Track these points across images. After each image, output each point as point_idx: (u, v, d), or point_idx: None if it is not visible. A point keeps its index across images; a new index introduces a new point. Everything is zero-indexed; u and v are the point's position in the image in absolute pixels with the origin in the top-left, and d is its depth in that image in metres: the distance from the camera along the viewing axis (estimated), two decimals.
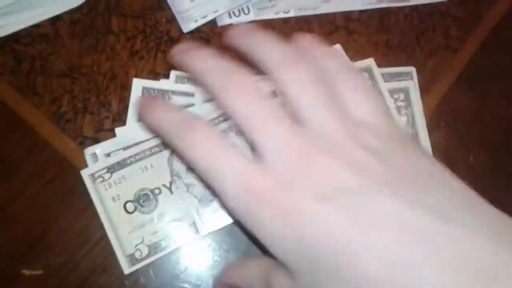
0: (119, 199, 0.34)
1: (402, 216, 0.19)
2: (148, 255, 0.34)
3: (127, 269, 0.34)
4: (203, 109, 0.36)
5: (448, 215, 0.19)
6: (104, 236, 0.34)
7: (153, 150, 0.35)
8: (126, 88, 0.37)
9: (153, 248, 0.34)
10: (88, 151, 0.35)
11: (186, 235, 0.34)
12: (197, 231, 0.35)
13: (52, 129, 0.36)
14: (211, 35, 0.40)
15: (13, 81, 0.37)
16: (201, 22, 0.39)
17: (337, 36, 0.41)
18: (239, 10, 0.40)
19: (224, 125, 0.36)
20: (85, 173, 0.34)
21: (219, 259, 0.35)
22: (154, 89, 0.37)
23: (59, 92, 0.37)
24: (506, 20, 0.43)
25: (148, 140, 0.35)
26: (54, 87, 0.37)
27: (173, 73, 0.38)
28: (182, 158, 0.26)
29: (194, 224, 0.35)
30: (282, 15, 0.41)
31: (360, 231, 0.20)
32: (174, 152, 0.35)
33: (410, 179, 0.21)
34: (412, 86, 0.39)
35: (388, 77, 0.40)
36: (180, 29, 0.39)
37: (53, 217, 0.35)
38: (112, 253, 0.34)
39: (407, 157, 0.22)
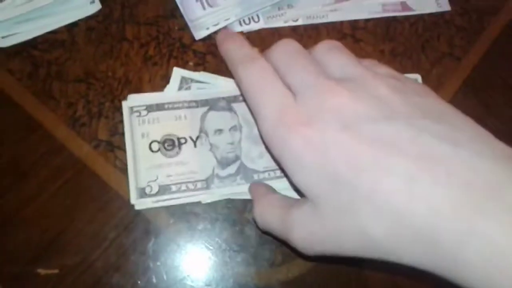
0: (147, 136, 0.36)
1: (418, 141, 0.22)
2: (156, 194, 0.35)
3: (134, 200, 0.35)
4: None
5: (458, 142, 0.22)
6: (118, 237, 0.35)
7: (191, 104, 0.37)
8: (140, 93, 0.38)
9: (163, 189, 0.35)
10: (131, 97, 0.38)
11: (196, 190, 0.36)
12: (207, 188, 0.36)
13: (67, 132, 0.37)
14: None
15: (30, 86, 0.38)
16: (212, 29, 0.40)
17: (344, 43, 0.41)
18: (249, 19, 0.42)
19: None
20: (125, 104, 0.37)
21: (228, 260, 0.36)
22: (191, 79, 0.39)
23: (74, 97, 0.38)
24: (507, 31, 0.44)
25: (189, 95, 0.38)
26: (70, 92, 0.38)
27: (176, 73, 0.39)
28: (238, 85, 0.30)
29: (206, 181, 0.36)
30: (291, 23, 0.42)
31: (379, 153, 0.22)
32: (209, 110, 0.38)
33: (428, 113, 0.24)
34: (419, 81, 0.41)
35: None
36: (192, 36, 0.40)
37: (68, 219, 0.36)
38: (126, 253, 0.35)
39: (426, 99, 0.25)
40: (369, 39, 0.43)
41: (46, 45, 0.39)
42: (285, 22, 0.42)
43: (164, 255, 0.36)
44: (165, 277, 0.35)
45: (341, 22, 0.43)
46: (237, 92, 0.38)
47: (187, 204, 0.36)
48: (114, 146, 0.37)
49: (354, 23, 0.43)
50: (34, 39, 0.39)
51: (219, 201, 0.37)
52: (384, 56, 0.42)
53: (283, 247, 0.37)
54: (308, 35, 0.42)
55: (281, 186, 0.36)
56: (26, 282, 0.34)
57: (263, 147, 0.37)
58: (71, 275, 0.35)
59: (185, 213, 0.37)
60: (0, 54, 0.38)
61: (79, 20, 0.40)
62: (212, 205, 0.37)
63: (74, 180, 0.36)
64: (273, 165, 0.37)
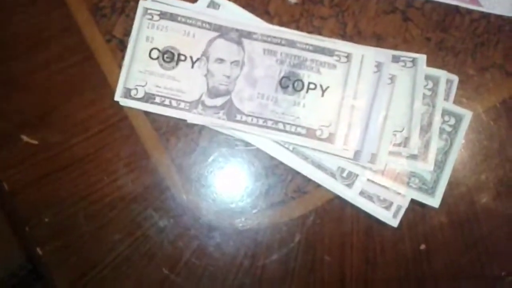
0: (151, 42, 0.37)
1: None
2: (140, 99, 0.36)
3: (117, 97, 0.36)
4: None
5: None
6: (102, 131, 0.37)
7: (204, 25, 0.37)
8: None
9: (147, 96, 0.36)
10: None
11: (178, 109, 0.36)
12: (189, 111, 0.36)
13: (88, 18, 0.38)
14: None
15: None
16: None
17: (392, 18, 0.39)
18: None
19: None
20: (141, 4, 0.37)
21: (201, 198, 0.37)
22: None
23: None
24: None
25: (206, 15, 0.37)
26: None
27: None
28: None
29: (190, 104, 0.36)
30: None
31: None
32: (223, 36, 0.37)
33: None
34: (468, 117, 0.37)
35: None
36: None
37: (64, 99, 0.37)
38: (103, 149, 0.36)
39: None
40: (420, 22, 0.39)
41: None
42: None
43: (136, 162, 0.37)
44: (127, 181, 0.37)
45: None
46: (253, 29, 0.37)
47: (173, 123, 0.37)
48: (125, 46, 0.37)
49: (410, 0, 0.39)
50: None
51: (204, 132, 0.37)
52: (428, 45, 0.39)
53: (249, 197, 0.37)
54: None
55: (257, 134, 0.36)
56: (7, 142, 0.36)
57: (256, 91, 0.36)
58: (49, 151, 0.37)
59: (168, 133, 0.37)
60: None
61: None
62: (196, 133, 0.37)
63: (80, 65, 0.37)
64: (259, 111, 0.36)
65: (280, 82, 0.37)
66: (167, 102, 0.36)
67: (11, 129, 0.36)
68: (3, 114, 0.37)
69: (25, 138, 0.36)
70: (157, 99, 0.36)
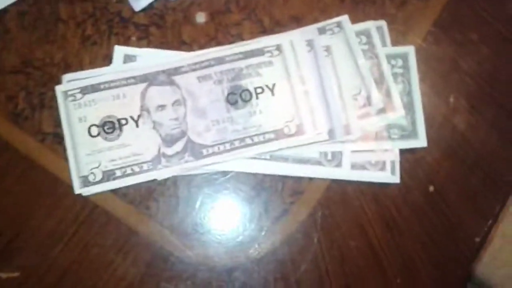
0: (85, 121, 0.34)
1: None
2: (100, 181, 0.34)
3: (78, 189, 0.34)
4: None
5: None
6: (78, 230, 0.34)
7: (129, 81, 0.35)
8: None
9: (107, 175, 0.34)
10: (66, 77, 0.35)
11: (143, 173, 0.34)
12: (154, 169, 0.34)
13: (10, 128, 0.35)
14: (165, 10, 0.38)
15: None
16: None
17: None
18: None
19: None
20: (58, 89, 0.35)
21: (194, 242, 0.35)
22: (135, 56, 0.36)
23: (14, 89, 0.36)
24: None
25: (126, 71, 0.35)
26: (8, 84, 0.36)
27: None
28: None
29: (152, 162, 0.34)
30: None
31: None
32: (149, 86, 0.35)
33: None
34: (412, 52, 0.37)
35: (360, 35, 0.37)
36: (131, 8, 0.37)
37: (24, 218, 0.34)
38: (87, 246, 0.34)
39: None
40: None
41: None
42: None
43: (127, 246, 0.34)
44: (127, 267, 0.34)
45: None
46: (178, 64, 0.36)
47: (144, 188, 0.35)
48: (61, 137, 0.35)
49: None
50: None
51: (179, 181, 0.35)
52: (344, 5, 0.39)
53: (251, 223, 0.35)
54: None
55: (230, 158, 0.35)
56: None
57: (209, 119, 0.35)
58: (34, 275, 0.33)
59: (143, 200, 0.35)
60: None
61: (9, 5, 0.37)
62: (171, 187, 0.35)
63: (23, 177, 0.35)
64: (221, 137, 0.35)
65: (227, 101, 0.36)
66: (129, 171, 0.34)
67: None
68: None
69: (3, 275, 0.33)
70: (118, 173, 0.34)
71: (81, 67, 0.36)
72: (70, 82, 0.35)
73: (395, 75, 0.37)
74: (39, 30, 0.37)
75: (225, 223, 0.35)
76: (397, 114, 0.36)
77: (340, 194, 0.36)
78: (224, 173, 0.35)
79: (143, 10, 0.37)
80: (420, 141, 0.36)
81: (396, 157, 0.35)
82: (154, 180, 0.35)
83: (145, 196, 0.35)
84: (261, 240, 0.35)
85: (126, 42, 0.37)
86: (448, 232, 0.37)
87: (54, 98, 0.35)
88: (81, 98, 0.35)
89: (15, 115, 0.35)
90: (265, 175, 0.35)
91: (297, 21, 0.38)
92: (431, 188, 0.37)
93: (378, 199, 0.36)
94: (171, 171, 0.34)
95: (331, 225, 0.35)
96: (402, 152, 0.36)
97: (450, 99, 0.38)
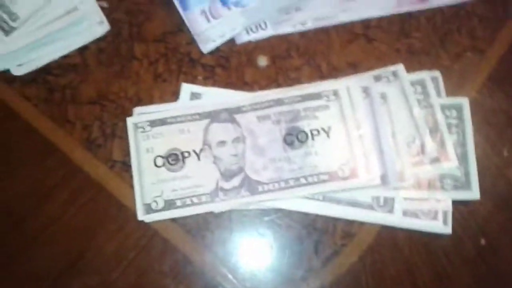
0: (152, 151, 0.37)
1: None
2: (162, 209, 0.36)
3: (141, 216, 0.36)
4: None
5: None
6: (138, 255, 0.36)
7: (194, 117, 0.38)
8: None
9: (168, 204, 0.36)
10: (137, 110, 0.38)
11: (201, 204, 0.36)
12: (212, 201, 0.36)
13: (84, 154, 0.38)
14: (230, 53, 0.40)
15: (46, 111, 0.39)
16: (219, 41, 0.40)
17: (357, 44, 0.41)
18: (256, 26, 0.41)
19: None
20: (130, 121, 0.38)
21: (245, 275, 0.36)
22: (200, 94, 0.39)
23: (89, 118, 0.39)
24: None
25: (191, 107, 0.38)
26: (84, 114, 0.39)
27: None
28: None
29: (210, 195, 0.36)
30: (300, 28, 0.41)
31: None
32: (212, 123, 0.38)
33: None
34: (467, 103, 0.38)
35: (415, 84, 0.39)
36: (200, 50, 0.40)
37: (89, 239, 0.36)
38: (145, 272, 0.35)
39: None
40: (383, 38, 0.41)
41: (60, 70, 0.40)
42: (294, 26, 0.41)
43: (182, 273, 0.36)
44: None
45: (352, 23, 0.41)
46: (240, 103, 0.38)
47: (201, 218, 0.36)
48: (128, 166, 0.37)
49: (366, 22, 0.41)
50: (48, 65, 0.40)
51: (234, 214, 0.37)
52: (400, 54, 0.40)
53: (301, 262, 0.36)
54: (319, 40, 0.41)
55: (284, 196, 0.36)
56: None
57: (267, 158, 0.37)
58: None
59: (201, 230, 0.37)
60: (16, 82, 0.39)
61: (89, 42, 0.41)
62: (227, 220, 0.37)
63: (92, 201, 0.37)
64: (278, 175, 0.36)
65: (285, 141, 0.37)
66: (188, 201, 0.36)
67: (49, 287, 0.35)
68: (35, 277, 0.36)
69: None
70: (179, 203, 0.36)
71: (151, 102, 0.39)
72: (141, 115, 0.38)
73: (449, 126, 0.38)
74: (116, 66, 0.40)
75: (275, 259, 0.36)
76: (451, 164, 0.36)
77: (390, 239, 0.36)
78: (278, 210, 0.37)
79: (211, 52, 0.40)
80: (473, 193, 0.36)
81: (449, 207, 0.36)
82: (211, 212, 0.36)
83: (202, 226, 0.37)
84: (310, 280, 0.36)
85: (193, 81, 0.40)
86: (499, 285, 0.36)
87: (125, 129, 0.38)
88: (149, 130, 0.37)
89: (89, 143, 0.38)
90: (317, 216, 0.37)
91: (354, 68, 0.40)
92: (483, 241, 0.37)
93: (428, 248, 0.36)
94: (227, 205, 0.36)
95: (381, 270, 0.36)
96: (455, 202, 0.36)
97: (504, 152, 0.38)
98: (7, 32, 0.39)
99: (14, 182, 0.37)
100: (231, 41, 0.41)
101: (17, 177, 0.38)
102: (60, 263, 0.36)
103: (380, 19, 0.41)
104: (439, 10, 0.41)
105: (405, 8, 0.41)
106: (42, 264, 0.36)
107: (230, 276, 0.36)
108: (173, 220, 0.37)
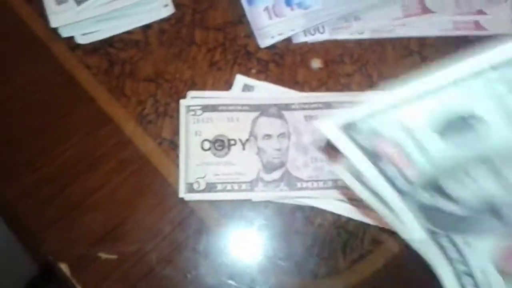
0: (200, 135, 0.39)
1: None
2: (203, 190, 0.38)
3: (182, 193, 0.38)
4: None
5: None
6: (173, 230, 0.38)
7: (244, 108, 0.39)
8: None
9: (209, 186, 0.38)
10: (191, 93, 0.40)
11: (241, 191, 0.38)
12: (251, 190, 0.38)
13: (135, 128, 0.40)
14: (285, 51, 0.42)
15: (105, 82, 0.41)
16: (277, 38, 0.41)
17: (410, 61, 0.42)
18: (314, 29, 0.42)
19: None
20: (183, 103, 0.39)
21: (274, 266, 0.37)
22: (252, 87, 0.41)
23: (144, 95, 0.41)
24: None
25: (243, 98, 0.40)
26: (140, 90, 0.41)
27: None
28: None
29: (250, 184, 0.38)
30: (356, 36, 0.42)
31: None
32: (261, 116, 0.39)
33: None
34: None
35: None
36: (257, 44, 0.42)
37: (129, 209, 0.38)
38: (178, 247, 0.37)
39: None
40: (437, 58, 0.42)
41: (122, 44, 0.42)
42: (351, 34, 0.42)
43: (214, 254, 0.37)
44: (212, 274, 0.37)
45: (408, 38, 0.42)
46: (289, 101, 0.39)
47: (238, 205, 0.38)
48: (176, 145, 0.39)
49: (422, 40, 0.42)
50: (111, 38, 0.42)
51: (270, 206, 0.38)
52: None
53: (328, 260, 0.37)
54: (373, 50, 0.42)
55: (321, 196, 0.37)
56: (88, 263, 0.37)
57: (309, 156, 0.38)
58: (127, 262, 0.37)
59: (236, 216, 0.38)
60: (79, 50, 0.41)
61: (153, 22, 0.42)
62: (262, 210, 0.38)
63: (137, 173, 0.39)
64: (317, 174, 0.38)
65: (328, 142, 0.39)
66: (229, 187, 0.38)
67: (87, 251, 0.37)
68: (76, 239, 0.38)
69: (103, 255, 0.37)
70: (219, 187, 0.38)
71: (204, 87, 0.41)
72: (194, 98, 0.40)
73: None
74: (175, 48, 0.42)
75: (303, 254, 0.38)
76: None
77: (417, 252, 0.37)
78: (312, 208, 0.38)
79: (267, 48, 0.42)
80: None
81: None
82: (248, 200, 0.38)
83: (238, 213, 0.38)
84: (334, 278, 0.37)
85: (247, 73, 0.41)
86: None
87: (177, 109, 0.40)
88: (200, 114, 0.39)
89: (142, 118, 0.40)
90: (349, 219, 0.38)
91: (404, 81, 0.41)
92: None
93: None
94: (265, 196, 0.38)
95: (405, 277, 0.37)
96: None
97: None
98: (79, 2, 0.41)
99: (66, 147, 0.39)
100: (288, 39, 0.42)
101: (69, 143, 0.40)
102: (100, 230, 0.38)
103: (437, 39, 0.42)
104: (495, 38, 0.42)
105: (462, 32, 0.42)
106: (83, 230, 0.38)
107: (267, 265, 0.37)
108: (211, 202, 0.38)
